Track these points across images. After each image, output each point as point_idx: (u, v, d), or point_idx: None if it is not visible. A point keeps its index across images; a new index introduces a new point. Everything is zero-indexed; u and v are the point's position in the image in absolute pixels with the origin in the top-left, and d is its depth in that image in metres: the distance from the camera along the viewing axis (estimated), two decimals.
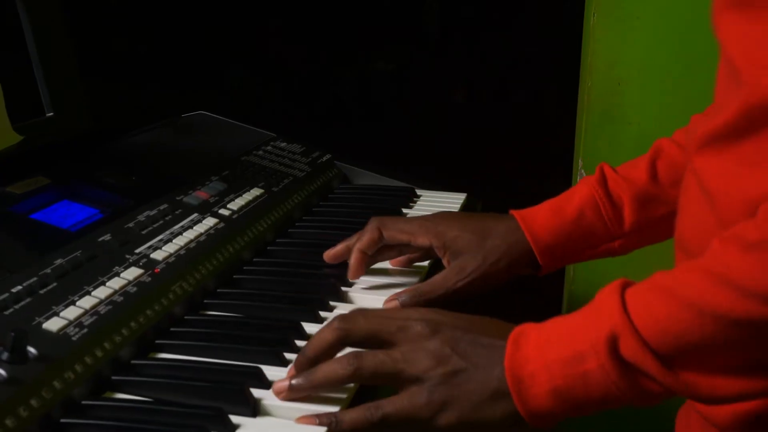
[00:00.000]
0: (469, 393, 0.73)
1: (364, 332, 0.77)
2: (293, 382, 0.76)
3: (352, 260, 0.99)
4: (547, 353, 0.72)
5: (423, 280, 1.01)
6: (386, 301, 0.96)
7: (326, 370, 0.75)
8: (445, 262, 1.00)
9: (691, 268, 0.68)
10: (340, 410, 0.74)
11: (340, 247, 1.03)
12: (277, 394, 0.76)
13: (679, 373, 0.68)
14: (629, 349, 0.68)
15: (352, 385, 0.78)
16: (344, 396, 0.77)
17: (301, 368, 0.77)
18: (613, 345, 0.68)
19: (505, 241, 0.99)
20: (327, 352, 0.77)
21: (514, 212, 1.02)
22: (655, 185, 1.01)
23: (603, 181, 1.02)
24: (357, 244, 1.00)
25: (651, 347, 0.67)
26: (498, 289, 1.00)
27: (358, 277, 1.00)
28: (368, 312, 0.79)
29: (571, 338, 0.71)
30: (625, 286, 0.71)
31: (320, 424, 0.73)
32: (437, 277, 0.97)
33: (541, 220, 1.00)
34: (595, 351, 0.69)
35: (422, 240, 1.00)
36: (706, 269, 0.66)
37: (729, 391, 0.68)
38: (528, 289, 2.40)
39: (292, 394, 0.76)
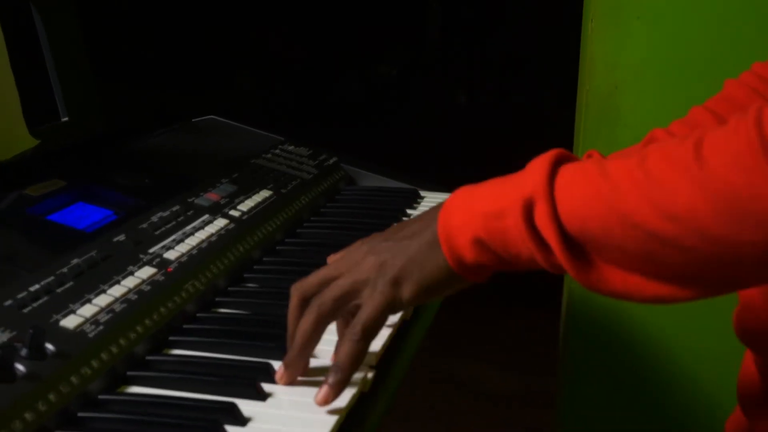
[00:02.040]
0: (413, 257, 0.76)
1: (315, 280, 0.80)
2: (284, 360, 0.78)
3: None
4: (474, 206, 0.73)
5: None
6: None
7: (300, 329, 0.78)
8: None
9: (624, 159, 0.67)
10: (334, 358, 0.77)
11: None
12: (279, 380, 0.78)
13: (577, 254, 0.69)
14: (540, 217, 0.69)
15: (362, 373, 0.79)
16: (360, 376, 0.79)
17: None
18: (529, 208, 0.69)
19: None
20: (298, 319, 0.79)
21: None
22: None
23: None
24: None
25: (561, 221, 0.68)
26: None
27: None
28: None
29: (497, 194, 0.72)
30: (562, 159, 0.71)
31: (331, 384, 0.75)
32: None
33: None
34: (513, 210, 0.70)
35: None
36: (631, 168, 0.66)
37: (615, 288, 0.69)
38: (528, 286, 2.41)
39: (290, 371, 0.78)
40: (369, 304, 0.76)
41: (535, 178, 0.70)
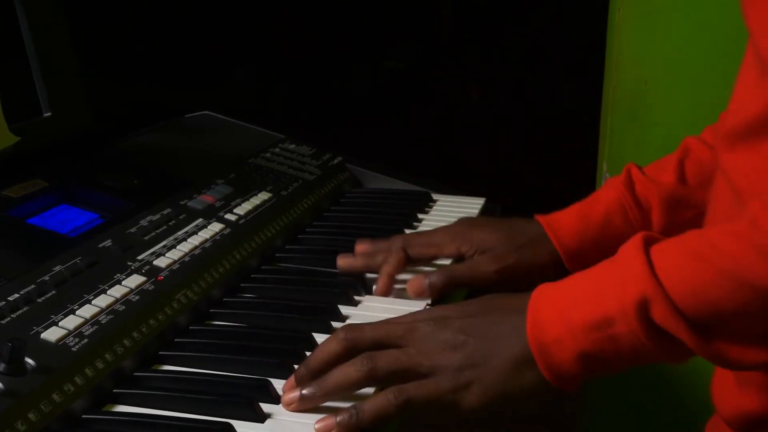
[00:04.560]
0: (493, 369, 0.75)
1: (370, 340, 0.78)
2: (304, 392, 0.76)
3: (381, 284, 1.00)
4: (570, 317, 0.73)
5: None
6: (412, 280, 0.96)
7: (338, 375, 0.76)
8: None
9: (729, 233, 0.68)
10: (361, 402, 0.75)
11: (359, 263, 1.03)
12: (287, 405, 0.77)
13: (711, 340, 0.69)
14: (661, 315, 0.69)
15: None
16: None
17: (302, 381, 0.77)
18: (643, 310, 0.69)
19: (535, 242, 1.01)
20: (332, 364, 0.78)
21: (539, 217, 1.03)
22: (684, 187, 1.02)
23: (630, 184, 1.03)
24: (386, 267, 1.00)
25: (683, 313, 0.68)
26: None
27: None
28: (374, 322, 0.81)
29: (595, 301, 0.72)
30: (649, 242, 0.72)
31: (340, 422, 0.73)
32: (470, 262, 0.98)
33: (566, 225, 1.02)
34: (624, 316, 0.70)
35: (449, 249, 1.01)
36: (746, 238, 0.67)
37: (758, 359, 0.69)
38: None
39: (304, 405, 0.76)
40: (432, 386, 0.75)
41: (636, 274, 0.70)
